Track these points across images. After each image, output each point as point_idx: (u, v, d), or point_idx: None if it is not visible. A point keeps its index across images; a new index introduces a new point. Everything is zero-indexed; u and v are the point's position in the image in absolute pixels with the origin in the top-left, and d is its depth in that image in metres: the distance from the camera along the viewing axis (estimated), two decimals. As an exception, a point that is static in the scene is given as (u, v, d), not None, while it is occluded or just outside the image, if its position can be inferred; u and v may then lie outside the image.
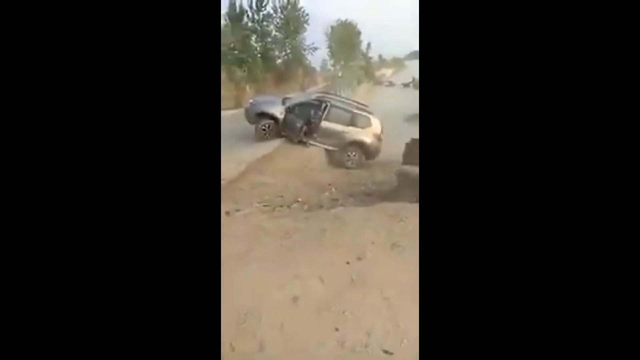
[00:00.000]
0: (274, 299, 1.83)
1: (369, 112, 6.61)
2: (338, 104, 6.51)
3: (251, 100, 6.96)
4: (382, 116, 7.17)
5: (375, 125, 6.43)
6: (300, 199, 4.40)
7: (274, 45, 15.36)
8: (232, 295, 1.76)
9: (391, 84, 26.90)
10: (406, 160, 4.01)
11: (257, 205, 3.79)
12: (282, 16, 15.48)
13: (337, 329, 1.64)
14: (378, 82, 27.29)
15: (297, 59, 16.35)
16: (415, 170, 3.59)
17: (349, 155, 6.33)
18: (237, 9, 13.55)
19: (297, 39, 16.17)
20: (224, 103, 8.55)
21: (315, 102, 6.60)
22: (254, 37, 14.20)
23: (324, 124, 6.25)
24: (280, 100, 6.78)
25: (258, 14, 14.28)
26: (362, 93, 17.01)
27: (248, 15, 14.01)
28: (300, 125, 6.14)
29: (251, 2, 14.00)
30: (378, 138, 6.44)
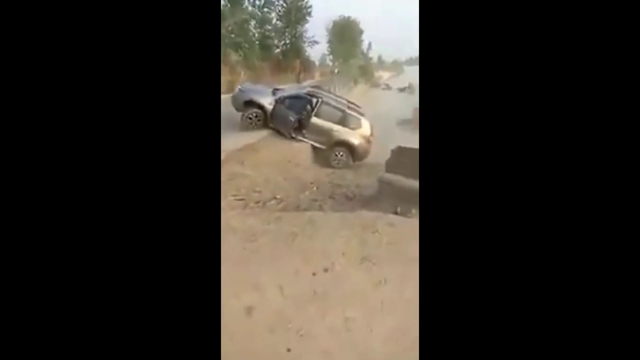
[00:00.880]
0: (226, 308, 1.65)
1: (361, 114, 6.47)
2: (330, 101, 6.33)
3: (240, 87, 6.66)
4: (375, 118, 7.05)
5: (366, 127, 6.30)
6: (278, 196, 4.22)
7: (273, 34, 15.00)
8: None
9: (388, 87, 26.89)
10: (389, 167, 3.88)
11: (230, 198, 3.59)
12: (284, 4, 15.11)
13: (289, 350, 1.49)
14: (375, 84, 27.22)
15: (295, 50, 16.04)
16: (397, 179, 3.47)
17: (336, 155, 6.19)
18: (239, -9, 13.10)
19: (297, 29, 15.85)
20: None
21: (307, 97, 6.41)
22: (253, 23, 13.80)
23: (314, 119, 6.07)
24: (270, 91, 6.54)
25: (260, -1, 13.87)
26: (357, 93, 16.85)
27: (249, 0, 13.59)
28: (292, 119, 5.93)
29: (253, -14, 13.59)
30: (367, 140, 6.32)
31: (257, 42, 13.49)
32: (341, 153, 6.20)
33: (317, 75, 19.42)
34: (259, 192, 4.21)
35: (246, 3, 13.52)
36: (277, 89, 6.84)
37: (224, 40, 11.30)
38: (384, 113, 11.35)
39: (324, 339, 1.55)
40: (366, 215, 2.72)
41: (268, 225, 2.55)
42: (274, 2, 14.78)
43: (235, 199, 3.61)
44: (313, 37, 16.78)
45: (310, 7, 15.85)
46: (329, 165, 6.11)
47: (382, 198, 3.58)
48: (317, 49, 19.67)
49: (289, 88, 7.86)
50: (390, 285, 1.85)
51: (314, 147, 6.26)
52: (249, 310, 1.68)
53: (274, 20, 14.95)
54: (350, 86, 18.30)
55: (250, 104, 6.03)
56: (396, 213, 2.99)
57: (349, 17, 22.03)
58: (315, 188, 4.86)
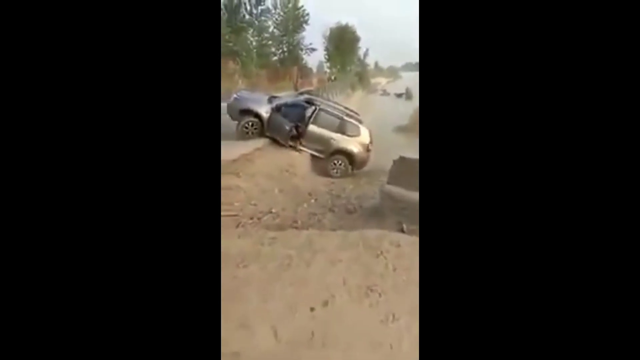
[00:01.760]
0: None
1: (359, 121, 6.27)
2: (328, 108, 6.14)
3: (235, 95, 6.44)
4: (372, 124, 6.85)
5: (365, 135, 6.10)
6: (274, 210, 3.98)
7: (270, 42, 14.95)
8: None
9: (385, 93, 26.89)
10: (392, 179, 3.65)
11: (223, 214, 3.35)
12: (281, 13, 15.09)
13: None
14: (372, 90, 27.21)
15: (293, 58, 15.98)
16: (400, 192, 3.24)
17: (334, 164, 5.99)
18: (235, 0, 13.05)
19: (295, 37, 15.81)
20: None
21: (304, 104, 6.22)
22: (250, 31, 13.74)
23: (311, 127, 5.88)
24: (266, 98, 6.34)
25: (256, 8, 13.83)
26: (355, 99, 16.75)
27: (246, 8, 13.53)
28: (288, 127, 5.72)
29: (250, -5, 13.55)
30: (366, 149, 6.11)
31: (254, 50, 13.39)
32: (340, 162, 5.99)
33: (314, 82, 19.37)
34: (255, 205, 3.98)
35: (243, 12, 13.47)
36: (274, 97, 6.64)
37: (221, 49, 11.22)
38: (380, 118, 11.21)
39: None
40: (370, 235, 2.48)
41: (262, 247, 2.31)
42: (271, 10, 14.76)
43: (228, 215, 3.36)
44: (311, 44, 16.75)
45: (308, 14, 15.86)
46: (328, 175, 5.90)
47: (384, 212, 3.35)
48: (315, 56, 19.69)
49: (285, 95, 7.68)
50: (400, 322, 1.61)
51: (312, 156, 6.05)
52: (235, 356, 1.43)
53: (271, 29, 14.91)
54: (347, 92, 18.21)
55: (246, 112, 5.82)
56: (402, 231, 2.75)
57: (345, 24, 22.11)
58: (313, 200, 4.62)
